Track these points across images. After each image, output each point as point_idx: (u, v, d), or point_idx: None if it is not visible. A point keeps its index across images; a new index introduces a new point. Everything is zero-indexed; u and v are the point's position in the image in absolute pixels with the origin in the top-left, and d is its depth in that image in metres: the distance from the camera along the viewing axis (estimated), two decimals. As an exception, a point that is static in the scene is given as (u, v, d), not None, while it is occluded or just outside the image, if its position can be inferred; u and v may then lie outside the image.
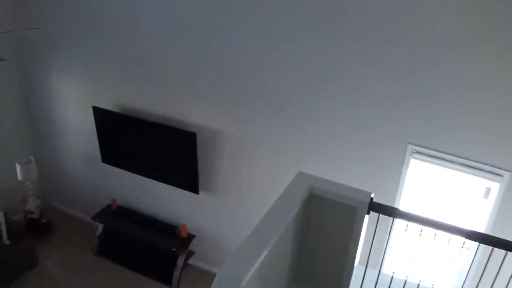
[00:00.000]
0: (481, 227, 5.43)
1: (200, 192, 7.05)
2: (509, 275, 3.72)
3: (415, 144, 5.40)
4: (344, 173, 5.64)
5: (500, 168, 5.10)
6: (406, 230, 3.86)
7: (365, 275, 4.20)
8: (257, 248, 3.16)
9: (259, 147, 6.42)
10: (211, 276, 5.94)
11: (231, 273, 2.93)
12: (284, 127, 6.12)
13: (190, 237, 7.52)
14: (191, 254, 7.62)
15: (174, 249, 7.37)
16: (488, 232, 5.25)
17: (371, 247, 4.05)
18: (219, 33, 6.06)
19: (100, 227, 8.07)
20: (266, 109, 6.15)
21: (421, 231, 3.74)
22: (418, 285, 4.34)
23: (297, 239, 4.06)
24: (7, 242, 7.49)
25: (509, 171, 5.05)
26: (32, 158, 8.32)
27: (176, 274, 7.41)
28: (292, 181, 3.98)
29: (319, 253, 4.19)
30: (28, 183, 8.34)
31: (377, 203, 3.76)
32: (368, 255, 4.11)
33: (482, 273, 3.77)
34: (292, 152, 6.19)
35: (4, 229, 7.48)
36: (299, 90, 5.81)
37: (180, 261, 7.38)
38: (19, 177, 8.19)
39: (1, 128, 8.24)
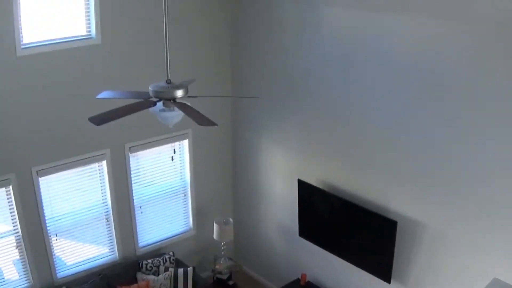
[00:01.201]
0: None
1: (392, 282, 7.32)
2: None
3: None
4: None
5: None
6: None
7: None
8: None
9: (460, 245, 6.52)
10: None
11: None
12: (485, 231, 6.20)
13: (376, 326, 7.88)
14: None
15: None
16: None
17: None
18: (435, 122, 6.36)
19: (286, 299, 8.74)
20: (467, 208, 6.30)
21: None
22: None
23: None
24: (190, 296, 8.50)
25: None
26: (231, 219, 9.34)
27: None
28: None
29: None
30: (223, 243, 9.33)
31: None
32: None
33: None
34: (488, 256, 6.21)
35: (190, 284, 8.44)
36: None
37: None
38: (215, 236, 9.23)
39: (208, 186, 9.43)
